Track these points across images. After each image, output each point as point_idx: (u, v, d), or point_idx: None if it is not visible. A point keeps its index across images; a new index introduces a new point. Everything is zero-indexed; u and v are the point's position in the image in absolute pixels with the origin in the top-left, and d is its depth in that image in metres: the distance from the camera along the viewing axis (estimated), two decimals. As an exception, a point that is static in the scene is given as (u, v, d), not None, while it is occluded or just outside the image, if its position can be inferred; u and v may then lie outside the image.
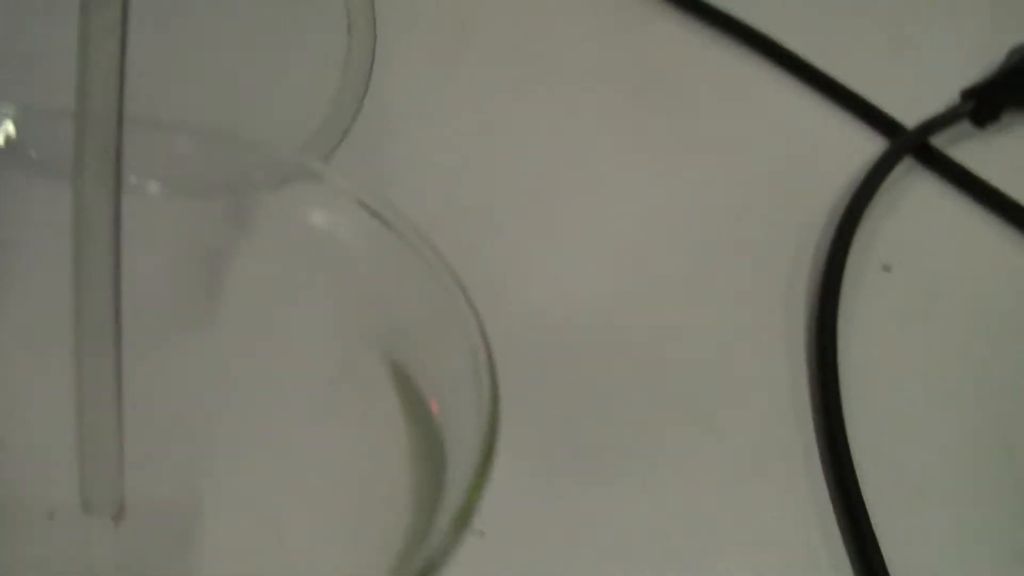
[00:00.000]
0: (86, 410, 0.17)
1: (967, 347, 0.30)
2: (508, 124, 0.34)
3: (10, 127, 0.17)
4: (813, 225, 0.33)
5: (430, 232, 0.18)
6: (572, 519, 0.24)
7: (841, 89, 0.37)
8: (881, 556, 0.24)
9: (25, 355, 0.20)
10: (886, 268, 0.32)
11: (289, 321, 0.19)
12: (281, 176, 0.19)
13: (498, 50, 0.36)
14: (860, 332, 0.30)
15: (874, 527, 0.25)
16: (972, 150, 0.36)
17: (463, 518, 0.14)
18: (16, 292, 0.20)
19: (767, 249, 0.32)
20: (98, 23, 0.14)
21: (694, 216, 0.32)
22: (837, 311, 0.30)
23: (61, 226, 0.17)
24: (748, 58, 0.38)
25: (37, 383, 0.20)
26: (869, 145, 0.36)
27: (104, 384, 0.17)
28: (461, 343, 0.16)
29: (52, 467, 0.20)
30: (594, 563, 0.23)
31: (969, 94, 0.38)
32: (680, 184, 0.33)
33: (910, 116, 0.37)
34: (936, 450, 0.28)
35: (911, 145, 0.36)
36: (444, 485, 0.16)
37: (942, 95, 0.38)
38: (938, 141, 0.36)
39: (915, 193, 0.35)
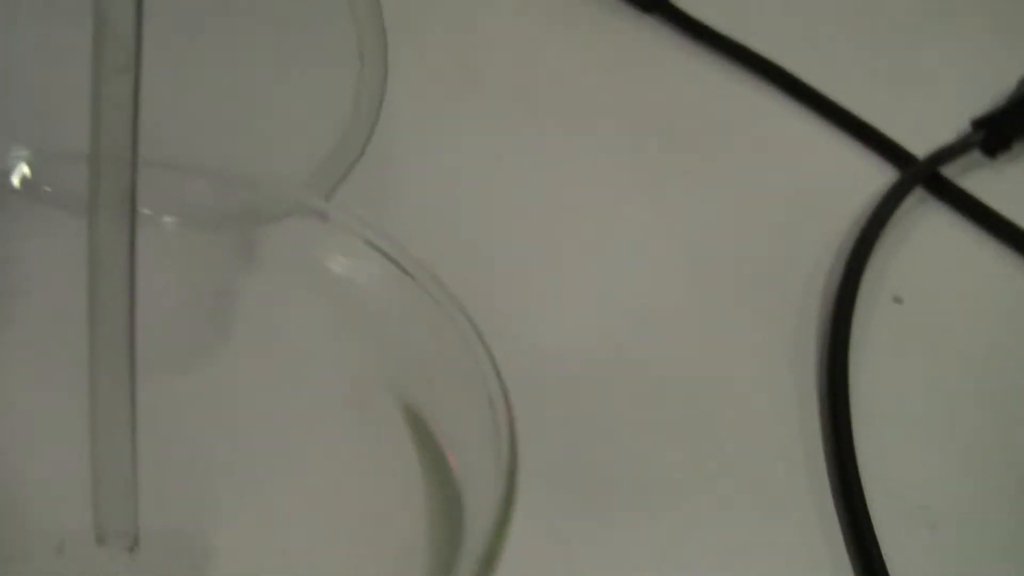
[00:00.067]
0: (100, 441, 0.17)
1: (978, 378, 0.30)
2: (515, 159, 0.34)
3: (25, 169, 0.17)
4: (824, 256, 0.32)
5: (436, 265, 0.18)
6: (581, 556, 0.24)
7: (851, 118, 0.38)
8: (892, 587, 0.24)
9: (34, 385, 0.20)
10: (897, 299, 0.32)
11: (299, 360, 0.19)
12: (288, 213, 0.19)
13: (504, 85, 0.36)
14: (871, 363, 0.30)
15: (885, 558, 0.25)
16: (983, 180, 0.36)
17: (487, 562, 0.14)
18: (24, 322, 0.20)
19: (777, 280, 0.32)
20: (110, 61, 0.15)
21: (704, 247, 0.32)
22: (848, 342, 0.30)
23: (73, 259, 0.17)
24: (758, 87, 0.39)
25: (45, 413, 0.20)
26: (879, 175, 0.36)
27: (118, 415, 0.17)
28: (478, 390, 0.16)
29: (60, 499, 0.20)
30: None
31: (980, 124, 0.38)
32: (689, 215, 0.33)
33: (921, 146, 0.37)
34: (947, 481, 0.28)
35: (922, 175, 0.36)
36: (463, 530, 0.15)
37: (953, 125, 0.38)
38: (949, 171, 0.36)
39: (926, 224, 0.35)
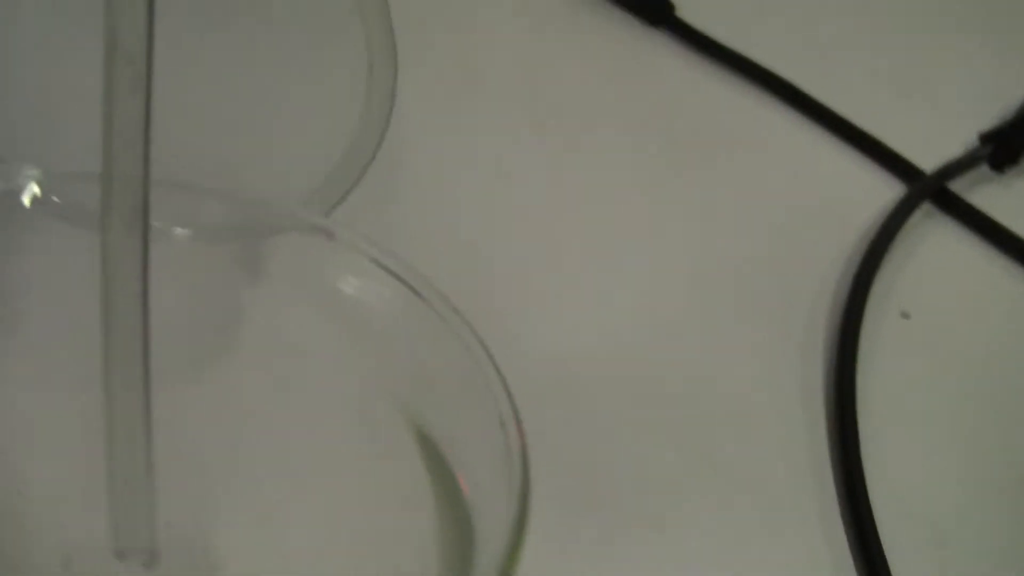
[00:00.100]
0: (116, 456, 0.17)
1: (987, 394, 0.30)
2: (521, 169, 0.33)
3: (36, 188, 0.17)
4: (831, 271, 0.32)
5: (442, 271, 0.18)
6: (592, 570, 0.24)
7: (859, 132, 0.37)
8: (901, 607, 0.24)
9: (40, 396, 0.20)
10: (905, 315, 0.32)
11: (309, 380, 0.19)
12: (294, 229, 0.19)
13: (511, 98, 0.36)
14: (879, 379, 0.30)
15: (892, 574, 0.25)
16: (991, 195, 0.36)
17: None
18: (31, 334, 0.20)
19: (784, 295, 0.32)
20: (121, 80, 0.15)
21: (709, 262, 0.32)
22: (856, 357, 0.30)
23: (80, 274, 0.17)
24: (764, 101, 0.39)
25: (51, 425, 0.20)
26: (887, 190, 0.36)
27: (134, 431, 0.17)
28: (489, 412, 0.16)
29: (66, 513, 0.20)
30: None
31: (987, 138, 0.38)
32: (695, 230, 0.33)
33: (928, 160, 0.37)
34: (956, 499, 0.27)
35: (929, 190, 0.36)
36: (474, 553, 0.15)
37: (960, 139, 0.38)
38: (956, 186, 0.36)
39: (934, 238, 0.35)
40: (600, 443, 0.27)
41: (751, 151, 0.37)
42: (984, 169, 0.37)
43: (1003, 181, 0.37)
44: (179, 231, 0.20)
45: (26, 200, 0.18)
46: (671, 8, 0.40)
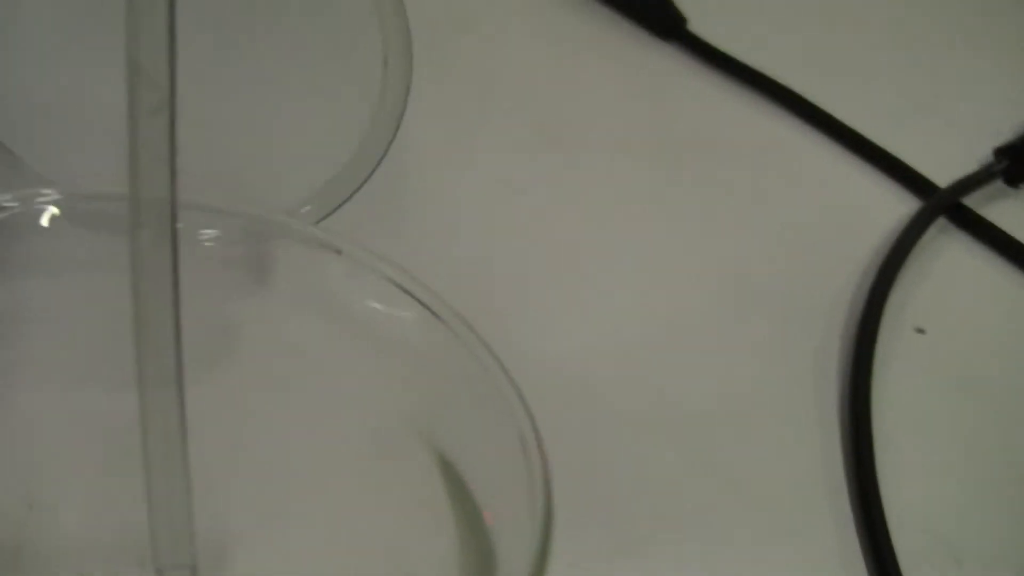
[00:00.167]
0: (155, 477, 0.17)
1: (1003, 410, 0.30)
2: (533, 184, 0.33)
3: (55, 209, 0.18)
4: (845, 286, 0.32)
5: (454, 286, 0.18)
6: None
7: (873, 148, 0.37)
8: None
9: (58, 415, 0.20)
10: (920, 330, 0.32)
11: (328, 406, 0.19)
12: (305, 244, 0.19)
13: (522, 111, 0.36)
14: (894, 395, 0.29)
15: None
16: (1006, 210, 0.36)
17: None
18: (48, 350, 0.20)
19: (799, 311, 0.31)
20: (145, 102, 0.15)
21: (724, 278, 0.32)
22: (871, 373, 0.29)
23: (93, 286, 0.17)
24: (779, 117, 0.38)
25: (70, 441, 0.20)
26: (901, 205, 0.36)
27: (172, 452, 0.17)
28: (510, 439, 0.16)
29: (83, 529, 0.20)
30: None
31: (1002, 153, 0.38)
32: (710, 245, 0.33)
33: (943, 175, 0.37)
34: (973, 516, 0.27)
35: (944, 205, 0.36)
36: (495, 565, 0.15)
37: (975, 154, 0.38)
38: (971, 201, 0.36)
39: (948, 254, 0.35)
40: (607, 453, 0.26)
41: (765, 166, 0.37)
42: (999, 184, 0.37)
43: (1018, 196, 0.37)
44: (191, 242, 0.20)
45: (45, 222, 0.18)
46: (683, 22, 0.40)
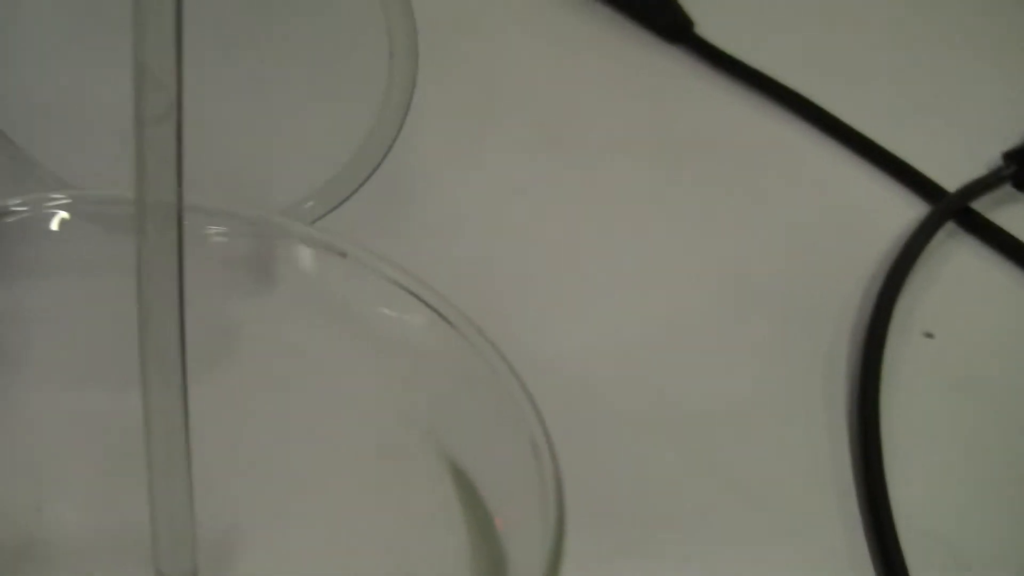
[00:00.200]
0: (157, 481, 0.17)
1: (1012, 415, 0.30)
2: (538, 186, 0.33)
3: (64, 214, 0.18)
4: (854, 291, 0.32)
5: (438, 276, 0.18)
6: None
7: (881, 152, 0.37)
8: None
9: (65, 416, 0.20)
10: (928, 335, 0.32)
11: (337, 411, 0.19)
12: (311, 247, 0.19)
13: (527, 113, 0.36)
14: (902, 400, 0.29)
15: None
16: (1015, 214, 0.36)
17: None
18: (49, 360, 0.20)
19: (807, 315, 0.31)
20: (152, 107, 0.15)
21: (732, 282, 0.32)
22: (880, 378, 0.29)
23: (87, 295, 0.17)
24: (786, 120, 0.38)
25: (75, 442, 0.20)
26: (910, 209, 0.36)
27: (174, 457, 0.16)
28: (522, 445, 0.15)
29: (85, 530, 0.20)
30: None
31: (1011, 157, 0.38)
32: (718, 249, 0.33)
33: (951, 180, 0.37)
34: (981, 521, 0.27)
35: (953, 209, 0.35)
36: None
37: (984, 158, 0.38)
38: (980, 205, 0.36)
39: (957, 258, 0.34)
40: (614, 456, 0.26)
41: (772, 170, 0.37)
42: (1008, 188, 0.37)
43: (1027, 200, 0.37)
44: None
45: (54, 225, 0.18)
46: (690, 25, 0.40)
